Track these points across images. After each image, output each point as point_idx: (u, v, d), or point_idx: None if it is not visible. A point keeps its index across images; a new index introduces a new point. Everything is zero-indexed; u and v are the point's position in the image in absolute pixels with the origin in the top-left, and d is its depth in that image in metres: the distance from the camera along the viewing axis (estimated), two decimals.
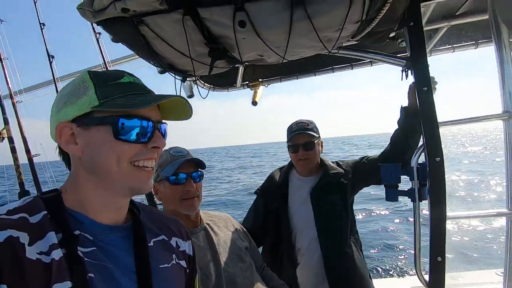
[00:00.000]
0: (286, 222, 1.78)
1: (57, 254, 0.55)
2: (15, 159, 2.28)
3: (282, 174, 1.94)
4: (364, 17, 0.88)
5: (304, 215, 1.76)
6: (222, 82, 2.13)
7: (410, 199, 1.42)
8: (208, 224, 1.35)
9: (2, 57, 2.59)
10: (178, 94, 1.43)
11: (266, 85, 2.16)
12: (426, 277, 1.37)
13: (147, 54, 1.08)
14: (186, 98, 0.69)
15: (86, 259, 0.58)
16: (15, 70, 2.59)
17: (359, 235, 1.89)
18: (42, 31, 2.59)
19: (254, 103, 2.14)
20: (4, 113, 2.47)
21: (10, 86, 2.54)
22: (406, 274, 2.69)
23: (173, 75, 1.27)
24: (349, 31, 0.98)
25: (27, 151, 2.36)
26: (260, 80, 2.12)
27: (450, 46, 1.83)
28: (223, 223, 1.42)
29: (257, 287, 1.24)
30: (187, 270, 0.81)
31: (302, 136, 1.79)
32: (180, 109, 0.72)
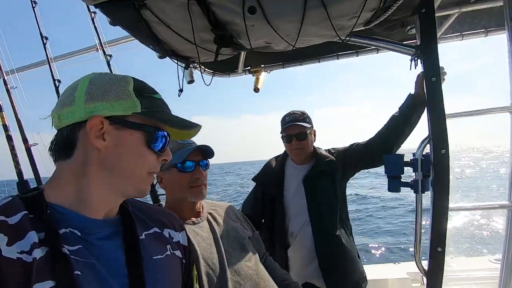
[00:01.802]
0: (281, 207, 1.85)
1: (39, 253, 0.53)
2: (12, 147, 2.20)
3: (278, 162, 1.99)
4: (381, 5, 0.83)
5: (297, 201, 1.82)
6: (223, 67, 2.06)
7: (412, 190, 1.42)
8: (210, 214, 1.34)
9: None
10: (181, 81, 1.39)
11: (268, 71, 2.11)
12: (424, 265, 1.40)
13: (148, 39, 1.02)
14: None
15: (72, 256, 0.56)
16: (7, 53, 2.48)
17: (349, 220, 1.96)
18: (34, 9, 2.44)
19: (256, 89, 2.09)
20: None
21: (3, 71, 2.39)
22: (401, 261, 2.76)
23: (176, 62, 1.21)
24: (363, 19, 0.93)
25: (24, 140, 2.27)
26: (262, 66, 2.07)
27: (459, 33, 1.77)
28: (226, 213, 1.41)
29: (261, 277, 1.23)
30: (184, 260, 0.80)
31: (295, 127, 1.84)
32: (186, 133, 0.76)
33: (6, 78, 2.31)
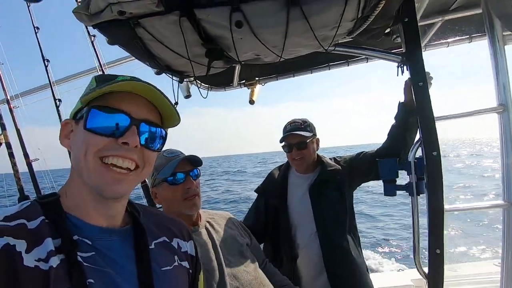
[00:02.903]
0: (285, 218, 1.81)
1: (55, 260, 0.54)
2: (14, 164, 2.27)
3: (281, 172, 1.97)
4: (359, 15, 0.89)
5: (303, 212, 1.79)
6: (219, 81, 2.13)
7: (408, 193, 1.44)
8: (208, 222, 1.36)
9: None
10: (176, 95, 1.44)
11: (263, 84, 2.17)
12: (426, 269, 1.39)
13: (143, 56, 1.08)
14: (158, 89, 0.63)
15: (85, 264, 0.57)
16: (11, 75, 2.60)
17: (357, 230, 1.92)
18: (36, 35, 2.57)
19: (252, 101, 2.15)
20: (0, 118, 2.46)
21: (6, 92, 2.53)
22: (405, 268, 2.72)
23: (170, 77, 1.27)
24: (345, 29, 0.99)
25: (26, 155, 2.34)
26: (257, 78, 2.13)
27: (445, 40, 1.84)
28: (223, 221, 1.43)
29: (260, 283, 1.24)
30: (190, 271, 0.80)
31: (294, 136, 1.83)
32: (169, 113, 0.68)
33: (9, 98, 2.40)
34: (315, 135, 1.90)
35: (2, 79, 2.57)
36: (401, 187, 1.46)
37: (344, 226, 1.78)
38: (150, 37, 0.99)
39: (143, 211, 0.76)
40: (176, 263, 0.75)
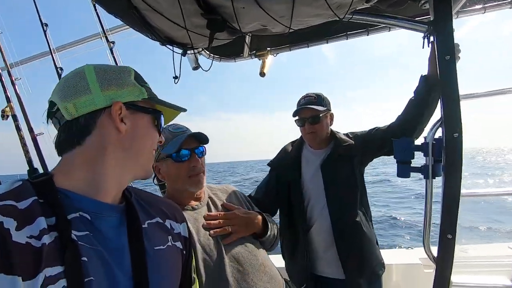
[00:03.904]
0: (298, 192, 1.84)
1: (48, 238, 0.54)
2: (21, 137, 2.29)
3: (294, 147, 1.96)
4: None
5: (315, 186, 1.81)
6: (228, 52, 2.03)
7: (422, 176, 1.36)
8: (210, 198, 1.33)
9: None
10: (179, 66, 1.38)
11: (274, 54, 2.05)
12: (434, 252, 1.36)
13: (141, 27, 1.00)
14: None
15: (80, 242, 0.57)
16: (10, 44, 2.49)
17: (369, 206, 1.91)
18: None
19: (262, 74, 2.05)
20: (5, 91, 2.41)
21: (7, 61, 2.48)
22: (414, 246, 2.71)
23: (172, 49, 1.19)
24: None
25: (30, 130, 2.33)
26: (268, 49, 2.01)
27: (482, 6, 1.62)
28: (226, 197, 1.40)
29: (261, 263, 1.21)
30: (184, 252, 0.82)
31: (307, 110, 1.80)
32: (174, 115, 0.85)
33: (10, 70, 2.35)
34: (329, 109, 1.85)
35: (2, 49, 2.49)
36: (416, 169, 1.39)
37: (354, 201, 1.78)
38: (146, 7, 0.91)
39: (134, 192, 0.78)
40: (169, 243, 0.76)
